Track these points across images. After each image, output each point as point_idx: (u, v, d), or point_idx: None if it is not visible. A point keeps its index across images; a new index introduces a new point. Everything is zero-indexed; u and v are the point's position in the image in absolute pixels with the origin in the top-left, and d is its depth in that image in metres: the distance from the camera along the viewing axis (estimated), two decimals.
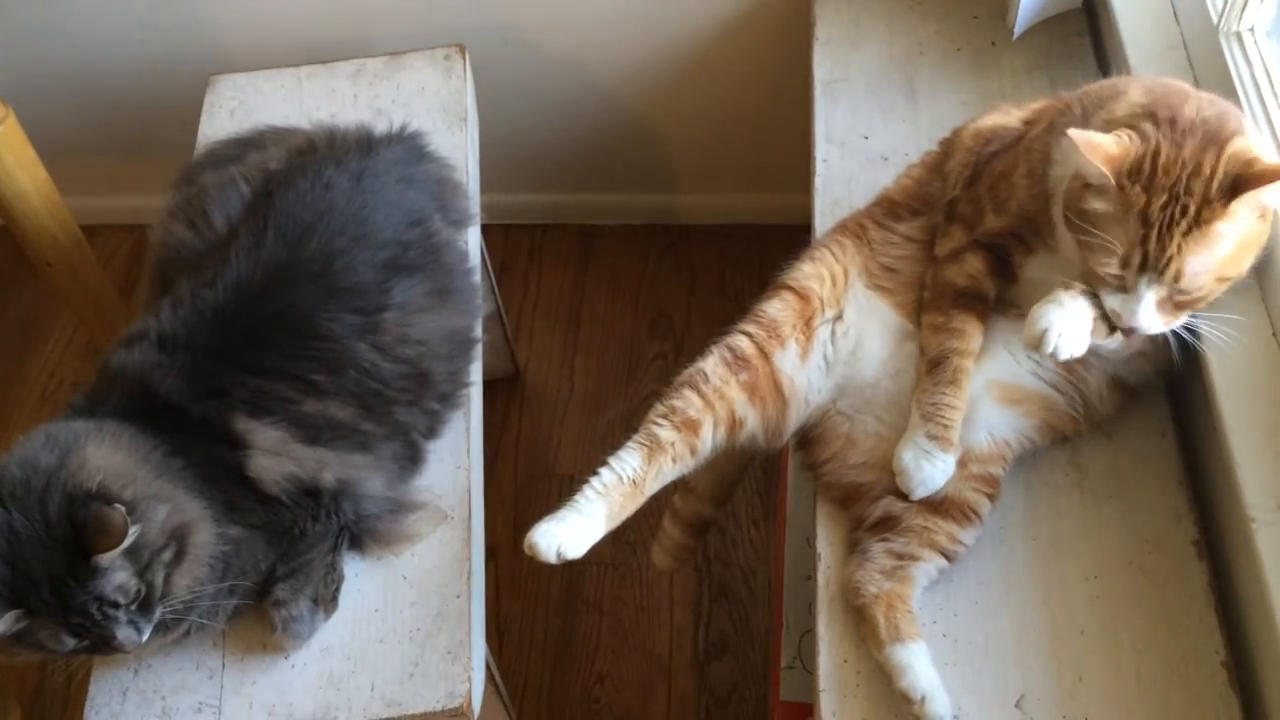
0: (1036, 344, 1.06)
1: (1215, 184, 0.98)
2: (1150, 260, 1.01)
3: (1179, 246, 0.99)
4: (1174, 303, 1.05)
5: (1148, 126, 1.03)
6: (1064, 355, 1.06)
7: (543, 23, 2.09)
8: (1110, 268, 1.03)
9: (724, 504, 1.55)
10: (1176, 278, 1.01)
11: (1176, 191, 0.98)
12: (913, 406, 1.21)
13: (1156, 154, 1.00)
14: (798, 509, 1.66)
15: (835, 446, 1.27)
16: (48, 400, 2.33)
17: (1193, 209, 0.98)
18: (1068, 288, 1.08)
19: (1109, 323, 1.07)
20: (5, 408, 2.33)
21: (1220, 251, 1.01)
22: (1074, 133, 1.02)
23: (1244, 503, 1.08)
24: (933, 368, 1.20)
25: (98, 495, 1.09)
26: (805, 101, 1.69)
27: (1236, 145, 1.01)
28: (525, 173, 2.38)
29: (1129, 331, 1.07)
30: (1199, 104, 1.06)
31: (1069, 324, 1.05)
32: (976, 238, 1.23)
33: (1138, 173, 1.00)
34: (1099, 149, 1.01)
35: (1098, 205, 1.03)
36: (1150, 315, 1.04)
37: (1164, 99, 1.07)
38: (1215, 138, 1.01)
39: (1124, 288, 1.05)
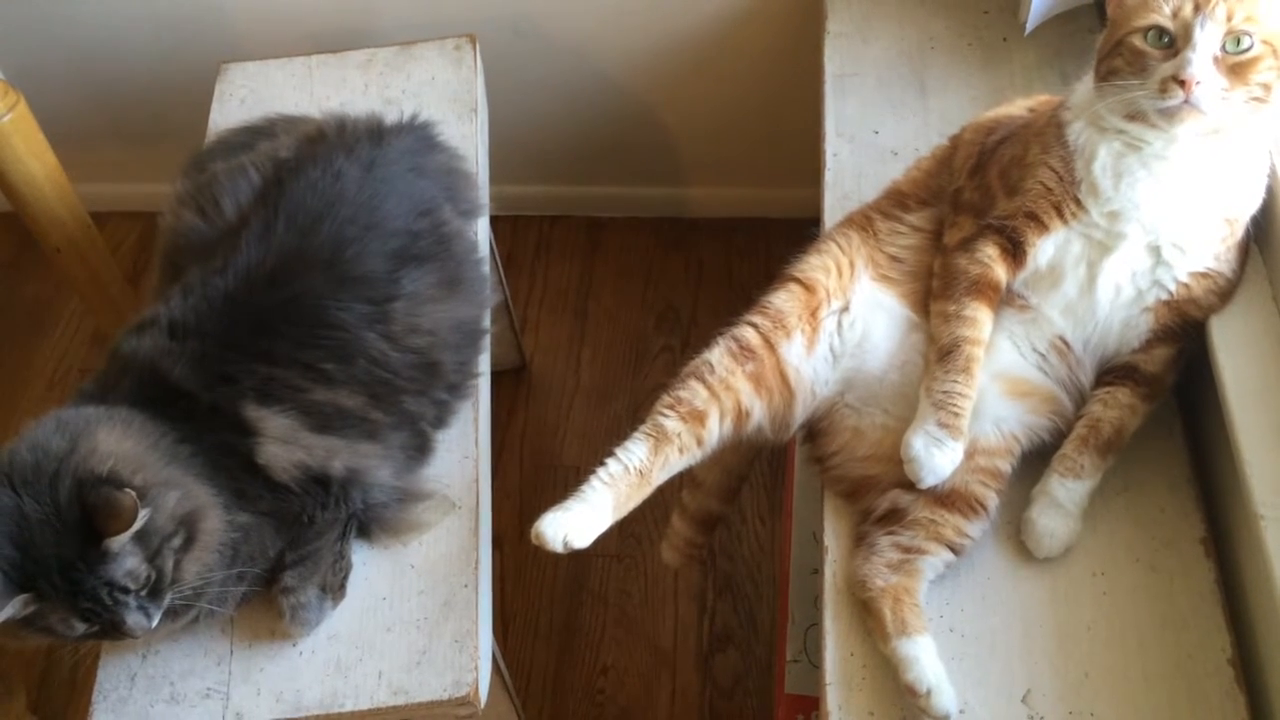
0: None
1: None
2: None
3: None
4: (1227, 65, 1.09)
5: None
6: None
7: (554, 14, 2.09)
8: (1163, 18, 1.11)
9: (732, 500, 1.55)
10: (1229, 16, 1.09)
11: None
12: (921, 395, 1.21)
13: None
14: (804, 503, 1.66)
15: (842, 439, 1.27)
16: (55, 387, 2.33)
17: None
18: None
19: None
20: (14, 393, 2.33)
21: (1266, 8, 1.09)
22: None
23: (1252, 500, 1.08)
24: (943, 356, 1.20)
25: (108, 480, 1.09)
26: (815, 95, 1.69)
27: None
28: (534, 164, 2.38)
29: (1186, 87, 1.09)
30: None
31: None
32: (989, 222, 1.23)
33: None
34: None
35: None
36: (1206, 64, 1.09)
37: None
38: None
39: (1176, 49, 1.11)
